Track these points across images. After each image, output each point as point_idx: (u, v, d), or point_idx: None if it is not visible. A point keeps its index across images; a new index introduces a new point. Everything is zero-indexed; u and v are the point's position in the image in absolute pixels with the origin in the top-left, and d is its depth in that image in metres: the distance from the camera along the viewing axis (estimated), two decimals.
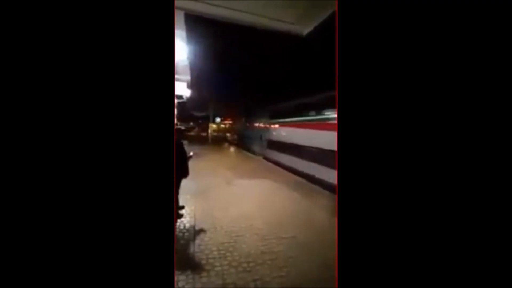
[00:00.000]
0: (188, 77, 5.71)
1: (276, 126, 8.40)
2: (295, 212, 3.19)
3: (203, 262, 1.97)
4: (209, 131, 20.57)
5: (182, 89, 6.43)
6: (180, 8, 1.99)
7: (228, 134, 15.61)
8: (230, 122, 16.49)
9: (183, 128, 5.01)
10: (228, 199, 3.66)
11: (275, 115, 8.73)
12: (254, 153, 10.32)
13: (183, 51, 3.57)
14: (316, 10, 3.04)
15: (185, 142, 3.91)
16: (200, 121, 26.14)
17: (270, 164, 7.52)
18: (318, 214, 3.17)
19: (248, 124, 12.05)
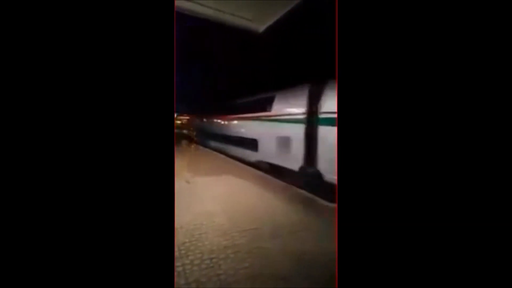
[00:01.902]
0: None
1: (235, 122, 8.42)
2: (256, 205, 3.28)
3: None
4: None
5: None
6: None
7: (184, 131, 14.87)
8: (187, 118, 15.73)
9: None
10: (188, 199, 3.53)
11: (232, 111, 8.74)
12: (212, 148, 10.21)
13: None
14: (272, 8, 3.15)
15: None
16: None
17: (230, 159, 7.49)
18: (278, 204, 3.33)
19: (205, 120, 11.76)
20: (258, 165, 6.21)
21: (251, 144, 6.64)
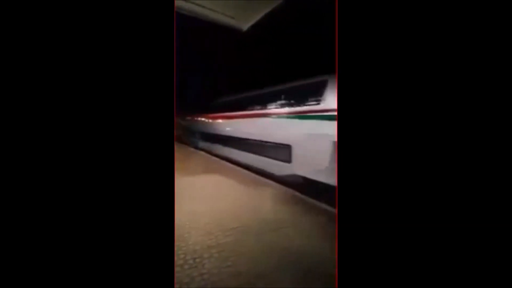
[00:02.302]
0: None
1: (220, 120, 7.94)
2: (242, 204, 3.28)
3: None
4: None
5: None
6: None
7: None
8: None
9: None
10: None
11: (217, 109, 8.24)
12: (197, 148, 9.90)
13: None
14: (255, 6, 3.15)
15: None
16: None
17: (215, 158, 7.37)
18: (263, 203, 3.35)
19: (189, 118, 11.41)
20: (291, 182, 4.04)
21: (278, 151, 4.48)
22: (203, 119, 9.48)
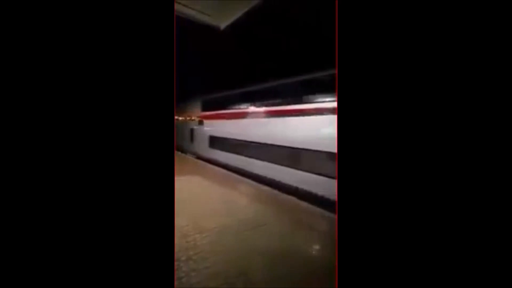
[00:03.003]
0: None
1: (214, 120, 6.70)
2: (219, 204, 3.26)
3: None
4: None
5: None
6: None
7: None
8: None
9: None
10: None
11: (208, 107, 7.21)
12: (183, 151, 8.87)
13: None
14: (231, 5, 3.12)
15: None
16: None
17: (200, 161, 6.82)
18: (240, 202, 3.37)
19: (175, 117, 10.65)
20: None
21: (319, 161, 3.56)
22: (194, 118, 7.93)
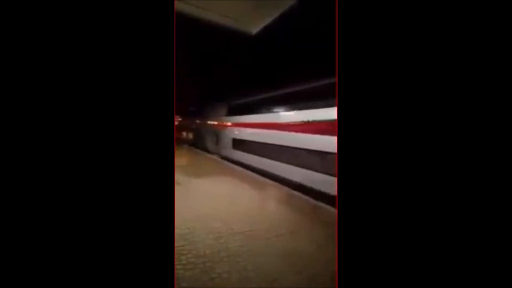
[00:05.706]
0: None
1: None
2: (250, 206, 3.27)
3: None
4: None
5: None
6: None
7: (184, 133, 14.41)
8: (179, 119, 15.45)
9: None
10: (182, 202, 3.48)
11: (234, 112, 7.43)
12: (209, 151, 9.65)
13: None
14: (262, 10, 3.15)
15: None
16: None
17: (227, 162, 7.21)
18: (271, 205, 3.33)
19: (198, 122, 11.31)
20: None
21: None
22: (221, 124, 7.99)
